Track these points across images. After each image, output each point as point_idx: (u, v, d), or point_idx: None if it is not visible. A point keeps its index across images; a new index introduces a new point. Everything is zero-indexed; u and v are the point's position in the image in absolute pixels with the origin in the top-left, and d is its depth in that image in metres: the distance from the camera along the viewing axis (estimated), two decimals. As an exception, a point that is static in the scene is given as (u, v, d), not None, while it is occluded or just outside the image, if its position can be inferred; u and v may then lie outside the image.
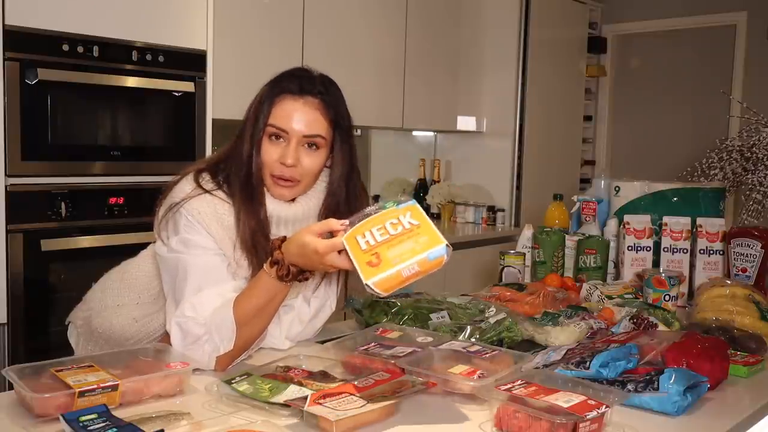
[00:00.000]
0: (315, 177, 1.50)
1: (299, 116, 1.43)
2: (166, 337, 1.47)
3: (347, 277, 1.63)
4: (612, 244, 2.22)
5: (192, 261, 1.41)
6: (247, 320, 1.36)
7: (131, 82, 2.53)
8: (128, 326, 1.58)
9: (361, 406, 1.09)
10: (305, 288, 1.56)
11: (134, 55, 2.53)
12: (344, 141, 1.50)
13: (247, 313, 1.36)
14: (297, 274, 1.33)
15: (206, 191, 1.44)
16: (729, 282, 1.86)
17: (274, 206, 1.47)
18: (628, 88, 5.19)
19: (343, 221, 1.27)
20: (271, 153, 1.44)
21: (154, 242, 1.54)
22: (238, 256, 1.44)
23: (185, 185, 1.46)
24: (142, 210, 2.54)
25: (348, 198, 1.53)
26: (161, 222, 1.47)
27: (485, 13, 4.34)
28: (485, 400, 1.17)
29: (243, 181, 1.45)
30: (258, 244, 1.42)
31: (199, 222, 1.42)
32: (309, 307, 1.56)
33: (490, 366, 1.29)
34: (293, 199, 1.50)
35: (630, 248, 2.14)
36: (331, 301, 1.61)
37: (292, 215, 1.48)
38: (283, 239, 1.34)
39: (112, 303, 1.62)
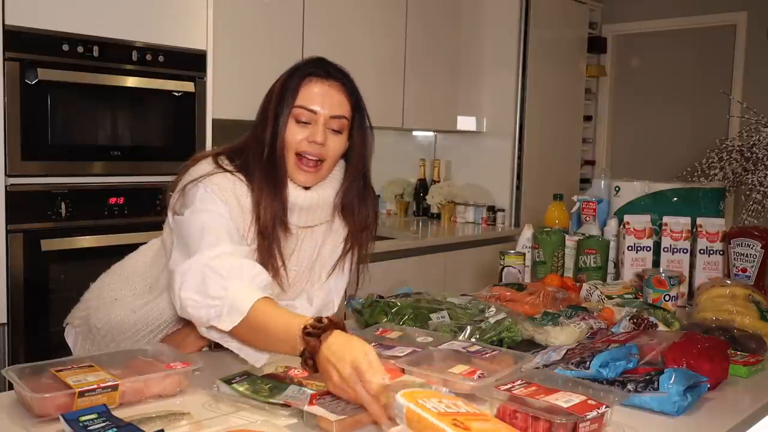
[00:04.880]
0: (335, 162, 1.51)
1: (327, 97, 1.45)
2: (166, 329, 1.47)
3: (358, 277, 1.64)
4: (612, 244, 2.22)
5: (209, 219, 1.37)
6: (249, 331, 1.28)
7: (131, 82, 2.53)
8: (126, 318, 1.56)
9: (361, 406, 1.09)
10: (309, 286, 1.56)
11: (134, 55, 2.53)
12: (362, 126, 1.53)
13: (256, 326, 1.27)
14: (310, 366, 1.17)
15: (227, 171, 1.45)
16: (729, 282, 1.86)
17: (291, 193, 1.47)
18: (628, 88, 5.19)
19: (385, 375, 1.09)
20: (296, 134, 1.45)
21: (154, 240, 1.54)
22: (250, 239, 1.44)
23: (205, 165, 1.46)
24: (142, 210, 2.55)
25: (363, 186, 1.57)
26: (176, 201, 1.45)
27: (485, 13, 4.34)
28: (485, 400, 1.17)
29: (266, 164, 1.44)
30: (276, 228, 1.42)
31: (218, 196, 1.40)
32: (312, 307, 1.56)
33: (490, 366, 1.29)
34: (308, 187, 1.51)
35: (630, 248, 2.14)
36: (334, 301, 1.62)
37: (308, 203, 1.49)
38: (324, 329, 1.16)
39: (109, 298, 1.61)
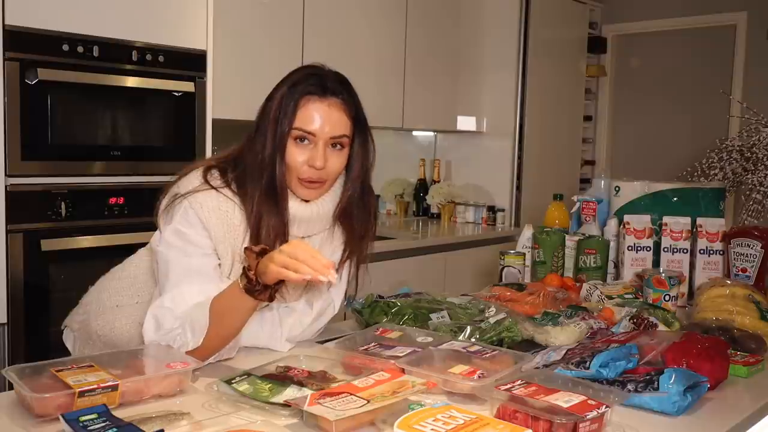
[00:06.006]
0: (337, 177, 1.51)
1: (326, 118, 1.43)
2: None
3: (358, 278, 1.64)
4: (612, 244, 2.22)
5: (179, 258, 1.41)
6: (216, 324, 1.36)
7: (131, 82, 2.53)
8: (132, 329, 1.55)
9: (361, 406, 1.09)
10: (308, 290, 1.56)
11: (134, 55, 2.53)
12: (363, 137, 1.51)
13: (216, 316, 1.36)
14: (261, 286, 1.32)
15: (213, 188, 1.44)
16: (729, 282, 1.86)
17: (292, 206, 1.47)
18: (628, 88, 5.19)
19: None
20: (296, 156, 1.43)
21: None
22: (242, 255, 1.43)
23: (193, 179, 1.46)
24: (142, 210, 2.54)
25: (362, 195, 1.55)
26: (163, 211, 1.46)
27: (485, 13, 4.34)
28: (485, 400, 1.17)
29: (267, 185, 1.43)
30: (276, 245, 1.42)
31: (199, 217, 1.41)
32: (311, 309, 1.56)
33: (490, 366, 1.29)
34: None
35: (630, 248, 2.14)
36: (334, 303, 1.61)
37: (308, 215, 1.49)
38: (262, 251, 1.33)
39: (110, 303, 1.60)
